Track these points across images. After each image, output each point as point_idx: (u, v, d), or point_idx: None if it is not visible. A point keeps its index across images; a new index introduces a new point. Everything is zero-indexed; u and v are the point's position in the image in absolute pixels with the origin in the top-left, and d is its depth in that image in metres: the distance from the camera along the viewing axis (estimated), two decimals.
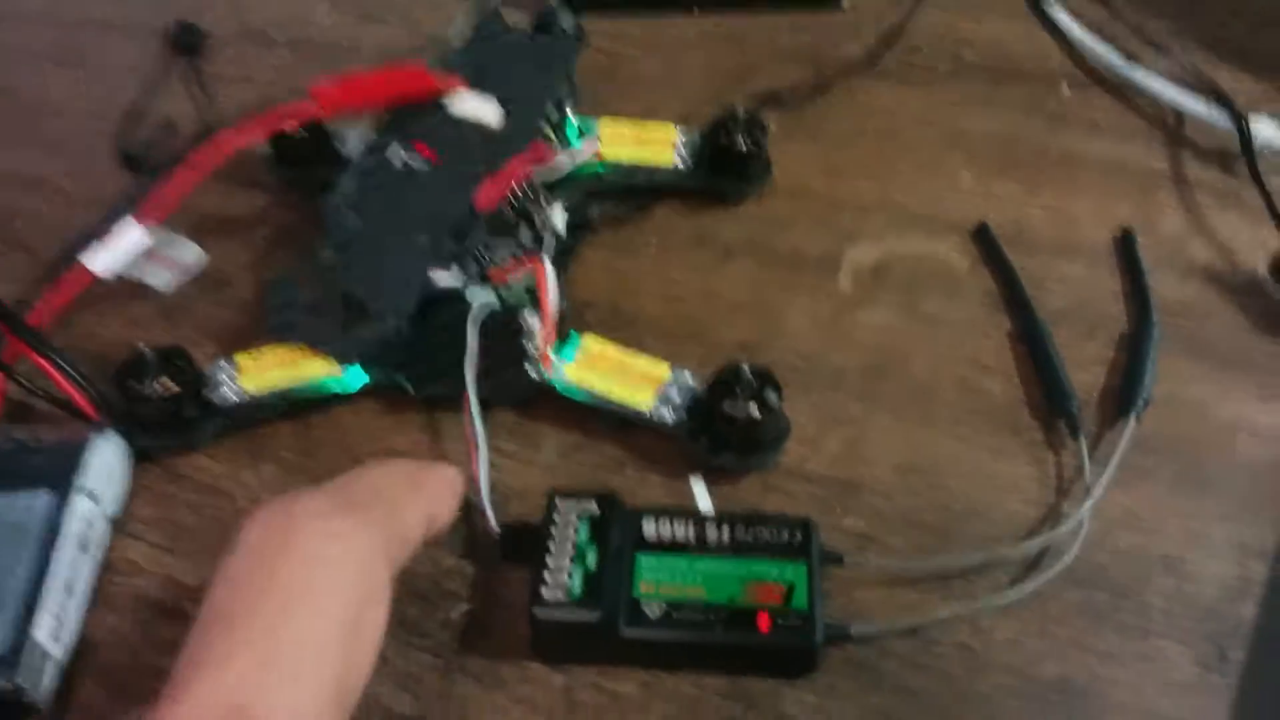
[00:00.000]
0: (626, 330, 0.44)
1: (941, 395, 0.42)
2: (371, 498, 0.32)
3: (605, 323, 0.45)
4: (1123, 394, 0.40)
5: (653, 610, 0.33)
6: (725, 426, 0.38)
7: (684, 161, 0.49)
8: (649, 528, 0.35)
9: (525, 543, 0.35)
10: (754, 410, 0.37)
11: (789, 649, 0.33)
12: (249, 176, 0.51)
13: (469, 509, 0.38)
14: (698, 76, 0.57)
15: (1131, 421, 0.39)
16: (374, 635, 0.29)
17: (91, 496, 0.37)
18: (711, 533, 0.35)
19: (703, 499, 0.38)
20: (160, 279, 0.46)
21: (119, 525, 0.38)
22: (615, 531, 0.35)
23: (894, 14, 0.57)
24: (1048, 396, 0.41)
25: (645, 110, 0.55)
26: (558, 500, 0.35)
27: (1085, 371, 0.41)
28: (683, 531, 0.35)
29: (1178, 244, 0.46)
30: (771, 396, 0.37)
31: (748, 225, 0.49)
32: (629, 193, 0.50)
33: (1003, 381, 0.42)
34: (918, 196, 0.50)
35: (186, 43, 0.59)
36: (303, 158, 0.49)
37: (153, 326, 0.46)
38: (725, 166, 0.49)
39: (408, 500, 0.33)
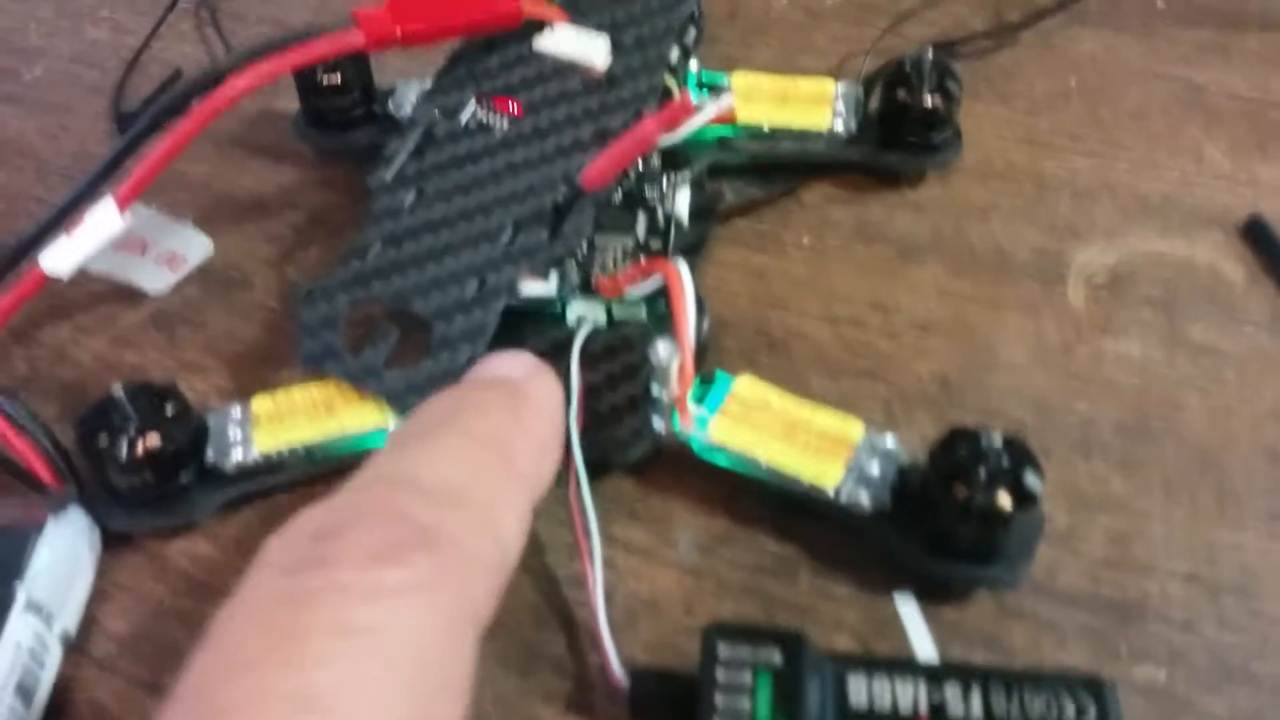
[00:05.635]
0: (779, 362, 0.32)
1: (1238, 466, 0.29)
2: (451, 501, 0.21)
3: (748, 352, 0.33)
4: None
5: None
6: (956, 521, 0.26)
7: (846, 126, 0.37)
8: (857, 691, 0.23)
9: (670, 702, 0.24)
10: (1005, 500, 0.25)
11: None
12: (271, 144, 0.40)
13: (571, 630, 0.26)
14: (840, 17, 0.44)
15: None
16: None
17: (37, 610, 0.25)
18: (954, 701, 0.23)
19: (918, 632, 0.26)
20: (155, 280, 0.35)
21: (77, 646, 0.27)
22: (810, 694, 0.23)
23: None
24: None
25: (778, 60, 0.42)
26: (720, 642, 0.23)
27: None
28: (909, 697, 0.23)
29: None
30: (1031, 480, 0.25)
31: (931, 214, 0.37)
32: (768, 168, 0.38)
33: None
34: (1155, 178, 0.37)
35: None
36: (342, 119, 0.38)
37: (146, 345, 0.34)
38: (901, 133, 0.37)
39: (504, 491, 0.23)
